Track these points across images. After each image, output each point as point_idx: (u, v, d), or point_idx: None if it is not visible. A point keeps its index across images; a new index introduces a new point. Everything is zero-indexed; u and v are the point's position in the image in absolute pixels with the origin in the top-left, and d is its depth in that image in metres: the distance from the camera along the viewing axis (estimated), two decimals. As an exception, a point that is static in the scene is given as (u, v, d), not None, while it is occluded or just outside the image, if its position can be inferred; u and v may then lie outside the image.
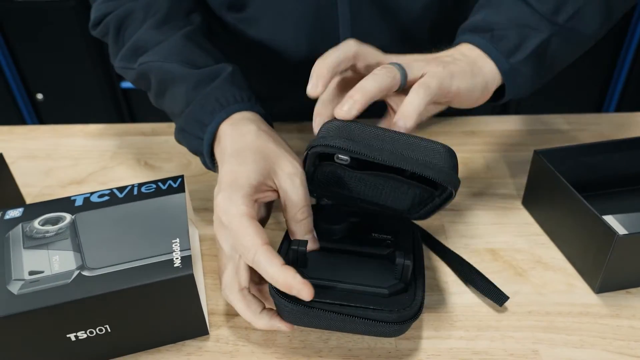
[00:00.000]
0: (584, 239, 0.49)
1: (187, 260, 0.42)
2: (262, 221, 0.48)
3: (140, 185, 0.52)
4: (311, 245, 0.45)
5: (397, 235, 0.47)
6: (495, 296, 0.47)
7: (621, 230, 0.54)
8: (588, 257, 0.48)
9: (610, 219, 0.55)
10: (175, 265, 0.42)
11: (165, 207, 0.49)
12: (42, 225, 0.47)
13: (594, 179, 0.59)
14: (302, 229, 0.44)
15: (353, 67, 0.49)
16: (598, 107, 1.89)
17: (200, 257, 0.54)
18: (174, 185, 0.51)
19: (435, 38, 0.67)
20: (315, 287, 0.39)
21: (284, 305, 0.40)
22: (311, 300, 0.39)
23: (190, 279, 0.41)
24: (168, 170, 0.69)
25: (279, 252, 0.45)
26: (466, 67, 0.48)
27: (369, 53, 0.49)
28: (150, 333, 0.44)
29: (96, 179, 0.68)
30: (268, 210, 0.49)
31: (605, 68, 1.78)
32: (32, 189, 0.65)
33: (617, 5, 0.54)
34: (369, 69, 0.48)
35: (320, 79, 0.46)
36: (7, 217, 0.48)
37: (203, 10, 0.63)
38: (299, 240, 0.43)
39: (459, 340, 0.44)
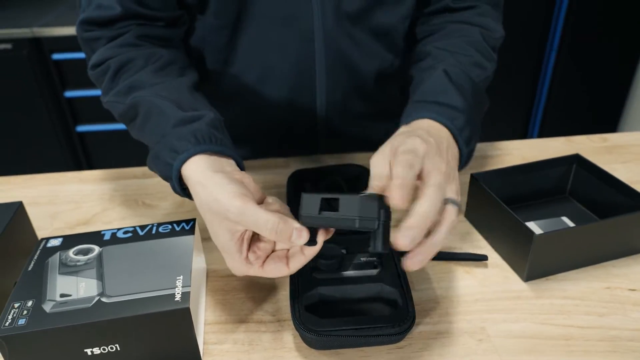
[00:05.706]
0: (512, 240, 0.63)
1: (186, 296, 0.50)
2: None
3: (158, 225, 0.61)
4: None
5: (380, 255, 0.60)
6: (477, 258, 0.64)
7: (538, 231, 0.69)
8: (517, 254, 0.63)
9: (531, 224, 0.70)
10: (175, 299, 0.50)
11: (176, 246, 0.57)
12: (76, 254, 0.56)
13: (519, 194, 0.74)
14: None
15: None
16: (524, 133, 2.14)
17: (205, 280, 0.64)
18: (186, 228, 0.60)
19: (386, 90, 0.85)
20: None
21: (307, 336, 0.52)
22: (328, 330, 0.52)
23: (187, 312, 0.49)
24: (164, 208, 0.78)
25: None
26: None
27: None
28: (151, 354, 0.51)
29: (100, 219, 0.76)
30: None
31: (527, 100, 2.02)
32: (44, 231, 0.73)
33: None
34: None
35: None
36: (49, 245, 0.57)
37: (195, 68, 0.74)
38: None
39: (426, 325, 0.57)
